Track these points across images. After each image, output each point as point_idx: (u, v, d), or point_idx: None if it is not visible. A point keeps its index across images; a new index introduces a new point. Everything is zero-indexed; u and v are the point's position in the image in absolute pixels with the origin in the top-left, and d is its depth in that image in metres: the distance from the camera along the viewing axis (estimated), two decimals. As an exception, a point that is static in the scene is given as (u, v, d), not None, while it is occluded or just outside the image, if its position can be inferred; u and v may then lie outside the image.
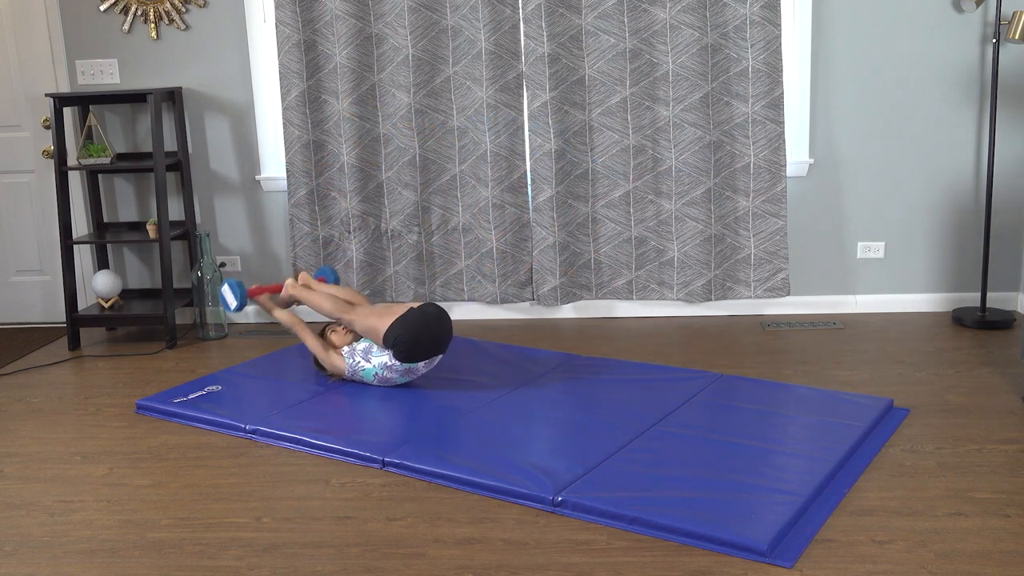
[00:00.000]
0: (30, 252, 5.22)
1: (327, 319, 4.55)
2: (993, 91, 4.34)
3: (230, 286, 4.09)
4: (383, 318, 3.76)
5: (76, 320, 4.81)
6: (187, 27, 4.86)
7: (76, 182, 5.10)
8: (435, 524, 2.84)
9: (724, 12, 4.42)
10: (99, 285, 4.87)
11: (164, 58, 4.91)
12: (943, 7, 4.47)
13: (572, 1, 4.51)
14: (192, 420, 3.73)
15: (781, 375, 3.95)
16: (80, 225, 5.12)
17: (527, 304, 4.97)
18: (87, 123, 4.84)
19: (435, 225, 4.85)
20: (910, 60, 4.54)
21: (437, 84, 4.70)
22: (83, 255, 5.19)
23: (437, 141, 4.76)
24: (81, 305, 5.21)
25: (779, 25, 4.38)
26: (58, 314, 5.27)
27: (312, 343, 3.94)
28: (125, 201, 5.13)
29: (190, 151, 5.01)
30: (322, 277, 4.36)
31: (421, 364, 3.79)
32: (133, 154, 5.05)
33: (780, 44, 4.40)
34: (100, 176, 5.09)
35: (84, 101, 4.83)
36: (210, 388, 4.00)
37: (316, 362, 4.05)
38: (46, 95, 4.69)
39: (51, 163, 5.08)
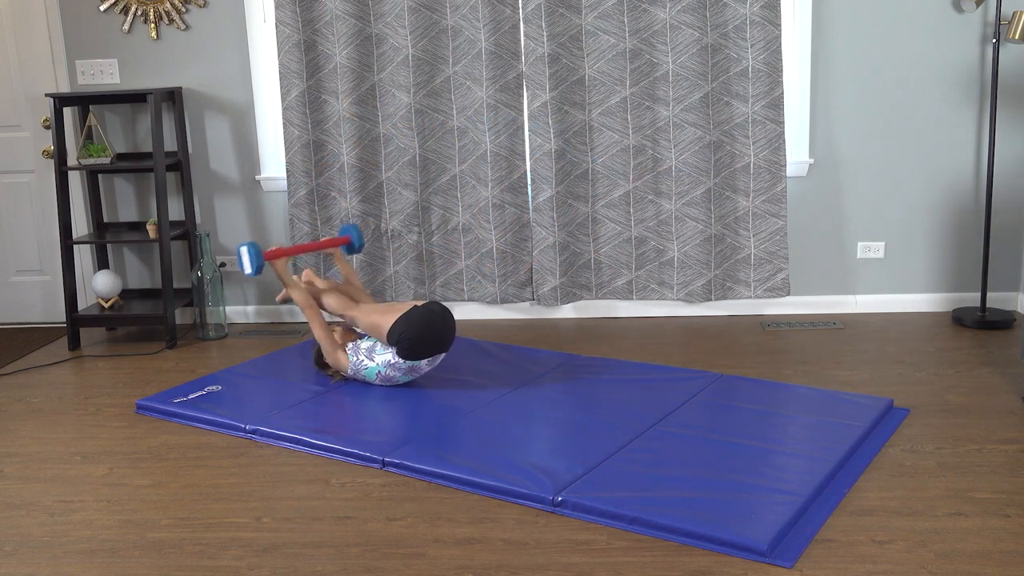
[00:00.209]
0: (30, 252, 5.22)
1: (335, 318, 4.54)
2: (993, 91, 4.34)
3: (248, 251, 3.91)
4: (386, 315, 3.77)
5: (76, 320, 4.81)
6: (187, 27, 4.86)
7: (76, 182, 5.10)
8: (435, 524, 2.84)
9: (724, 12, 4.42)
10: (99, 285, 4.87)
11: (164, 58, 4.91)
12: (943, 7, 4.47)
13: (572, 1, 4.51)
14: (192, 420, 3.73)
15: (781, 375, 3.95)
16: (80, 225, 5.12)
17: (527, 304, 4.97)
18: (87, 123, 4.84)
19: (435, 225, 4.85)
20: (910, 60, 4.54)
21: (437, 84, 4.70)
22: (83, 255, 5.19)
23: (437, 141, 4.76)
24: (81, 305, 5.21)
25: (779, 25, 4.38)
26: (58, 314, 5.27)
27: (320, 332, 3.89)
28: (125, 201, 5.13)
29: (190, 151, 5.01)
30: (346, 236, 4.25)
31: (424, 362, 3.79)
32: (133, 154, 5.05)
33: (780, 44, 4.40)
34: (100, 176, 5.09)
35: (84, 101, 4.83)
36: (210, 388, 4.00)
37: (317, 360, 4.05)
38: (46, 95, 4.69)
39: (51, 163, 5.08)
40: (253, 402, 3.81)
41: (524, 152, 4.70)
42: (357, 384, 3.95)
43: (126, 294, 5.18)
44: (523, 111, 4.65)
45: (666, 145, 4.58)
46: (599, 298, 4.85)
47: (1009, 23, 4.25)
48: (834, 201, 4.72)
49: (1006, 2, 4.41)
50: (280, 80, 4.71)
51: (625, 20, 4.49)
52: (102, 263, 5.11)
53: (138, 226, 5.09)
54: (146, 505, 3.05)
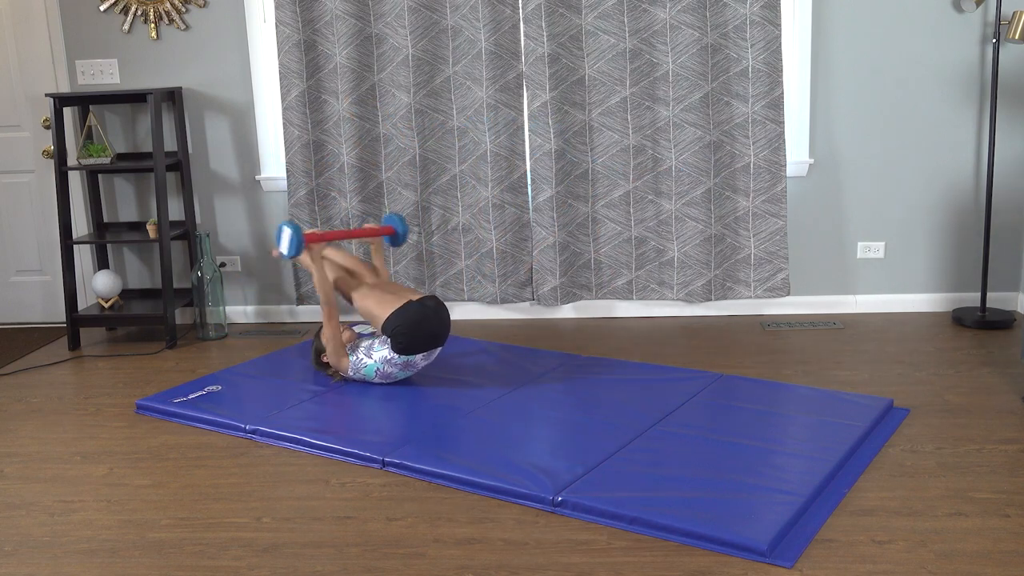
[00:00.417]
0: (30, 252, 5.22)
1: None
2: (993, 91, 4.34)
3: (292, 234, 3.81)
4: (383, 306, 3.81)
5: (76, 320, 4.81)
6: (187, 27, 4.86)
7: (76, 182, 5.10)
8: (435, 524, 2.84)
9: (724, 12, 4.42)
10: (99, 285, 4.87)
11: (164, 58, 4.91)
12: (943, 7, 4.47)
13: (572, 1, 4.51)
14: (192, 420, 3.73)
15: (781, 375, 3.95)
16: (80, 225, 5.12)
17: (527, 304, 4.97)
18: (87, 123, 4.84)
19: (435, 225, 4.85)
20: (910, 60, 4.54)
21: (437, 84, 4.70)
22: (83, 255, 5.19)
23: (437, 141, 4.76)
24: (81, 305, 5.21)
25: (779, 25, 4.38)
26: (58, 314, 5.27)
27: (332, 332, 3.86)
28: (125, 201, 5.13)
29: (190, 151, 5.01)
30: (389, 226, 4.18)
31: (419, 357, 3.81)
32: (133, 154, 5.05)
33: (780, 44, 4.40)
34: (100, 176, 5.09)
35: (84, 101, 4.83)
36: (210, 388, 4.00)
37: (316, 360, 4.04)
38: (46, 95, 4.69)
39: (51, 163, 5.08)
40: (253, 402, 3.81)
41: (524, 152, 4.70)
42: (357, 384, 3.95)
43: (126, 294, 5.18)
44: (523, 111, 4.65)
45: (666, 145, 4.58)
46: (599, 298, 4.85)
47: (1009, 23, 4.25)
48: (834, 201, 4.72)
49: (1006, 2, 4.41)
50: (280, 80, 4.71)
51: (625, 20, 4.49)
52: (102, 263, 5.11)
53: (138, 226, 5.09)
54: (146, 505, 3.05)
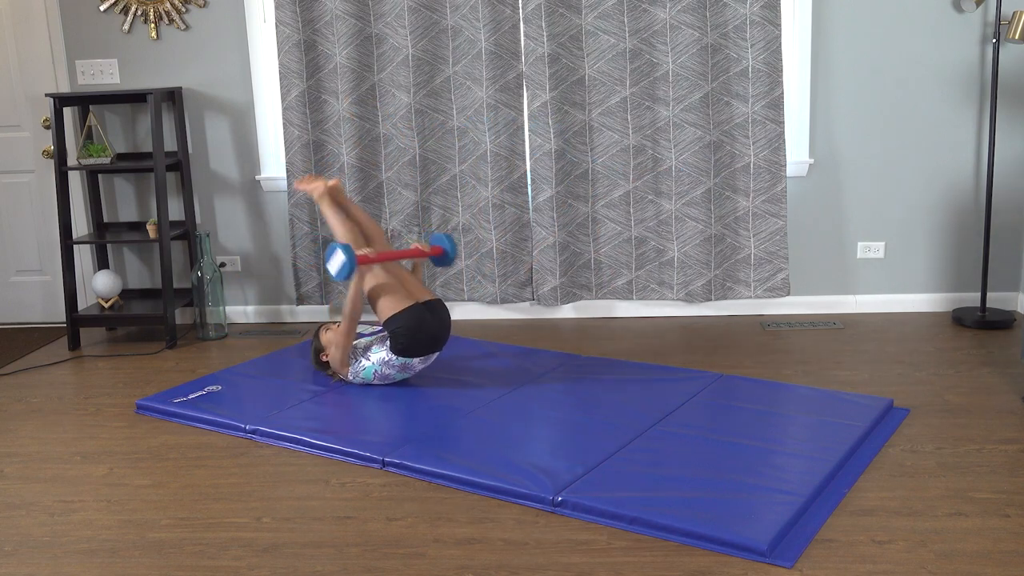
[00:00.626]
0: (30, 252, 5.22)
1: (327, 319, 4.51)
2: (993, 91, 4.34)
3: (346, 261, 3.69)
4: (390, 302, 3.77)
5: (76, 320, 4.81)
6: (187, 27, 4.86)
7: (76, 182, 5.10)
8: (435, 524, 2.84)
9: (724, 12, 4.42)
10: (99, 285, 4.87)
11: (164, 58, 4.91)
12: (943, 7, 4.47)
13: (572, 1, 4.51)
14: (192, 420, 3.73)
15: (781, 375, 3.95)
16: (80, 225, 5.12)
17: (527, 304, 4.97)
18: (87, 123, 4.84)
19: (435, 225, 4.85)
20: (910, 60, 4.54)
21: (437, 84, 4.70)
22: (83, 255, 5.19)
23: (437, 141, 4.76)
24: (81, 305, 5.21)
25: (779, 25, 4.38)
26: (58, 314, 5.27)
27: (345, 340, 3.83)
28: (125, 201, 5.13)
29: (190, 151, 5.01)
30: (438, 246, 4.07)
31: (417, 360, 3.81)
32: (133, 154, 5.05)
33: (780, 44, 4.40)
34: (100, 176, 5.09)
35: (84, 101, 4.83)
36: (210, 388, 4.00)
37: (315, 359, 4.03)
38: (46, 95, 4.69)
39: (51, 163, 5.08)
40: (253, 402, 3.81)
41: (524, 152, 4.70)
42: (357, 384, 3.95)
43: (126, 294, 5.18)
44: (523, 111, 4.65)
45: (666, 145, 4.58)
46: (599, 298, 4.85)
47: (1009, 23, 4.25)
48: (834, 201, 4.72)
49: (1006, 2, 4.41)
50: (280, 80, 4.71)
51: (625, 20, 4.49)
52: (102, 263, 5.11)
53: (138, 226, 5.09)
54: (146, 505, 3.05)
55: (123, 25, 4.88)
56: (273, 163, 5.00)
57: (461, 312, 5.02)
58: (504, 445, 3.27)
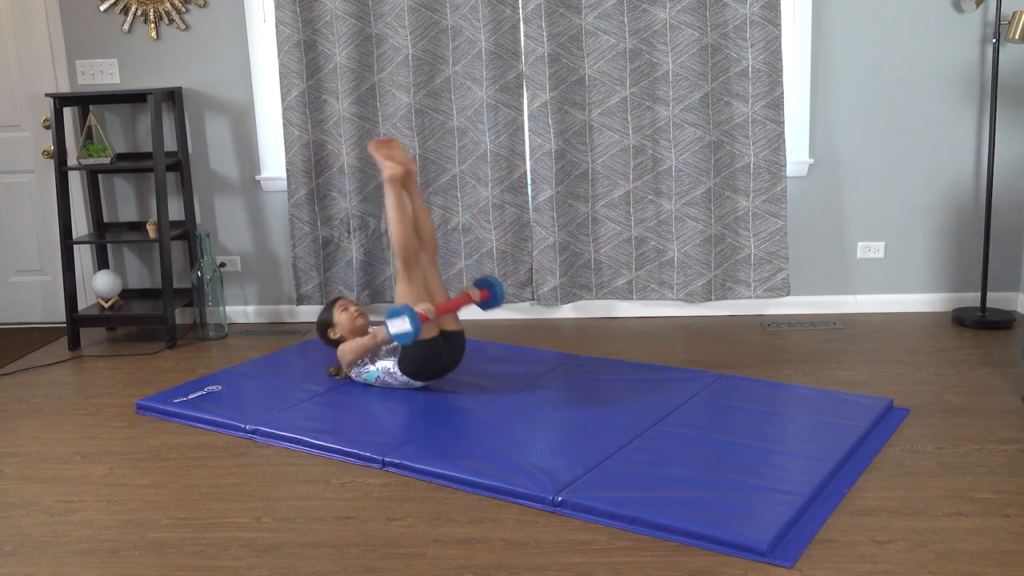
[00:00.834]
0: (30, 252, 5.22)
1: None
2: (993, 91, 4.34)
3: (413, 333, 3.49)
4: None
5: (76, 320, 4.81)
6: (187, 27, 4.86)
7: (76, 182, 5.10)
8: (435, 524, 2.84)
9: (724, 12, 4.42)
10: (99, 285, 4.87)
11: (164, 58, 4.91)
12: (943, 7, 4.47)
13: (572, 1, 4.51)
14: (192, 420, 3.73)
15: (781, 375, 3.95)
16: (80, 225, 5.12)
17: (527, 304, 4.97)
18: (87, 123, 4.84)
19: (435, 225, 4.84)
20: (910, 60, 4.54)
21: (437, 84, 4.70)
22: (83, 255, 5.19)
23: (437, 141, 4.76)
24: (81, 305, 5.21)
25: (779, 25, 4.38)
26: (58, 314, 5.27)
27: (363, 354, 3.80)
28: (125, 201, 5.13)
29: (190, 151, 5.01)
30: (485, 290, 3.95)
31: (419, 384, 3.82)
32: (133, 154, 5.05)
33: (780, 44, 4.40)
34: (100, 176, 5.09)
35: (84, 101, 4.83)
36: (210, 388, 4.00)
37: (321, 332, 3.98)
38: (46, 95, 4.69)
39: (51, 163, 5.07)
40: (253, 402, 3.81)
41: (524, 152, 4.70)
42: (357, 384, 3.95)
43: (126, 294, 5.18)
44: (523, 111, 4.65)
45: (666, 145, 4.58)
46: (599, 298, 4.85)
47: (1009, 23, 4.24)
48: (834, 201, 4.72)
49: (1006, 2, 4.41)
50: (280, 80, 4.71)
51: (625, 20, 4.49)
52: (102, 263, 5.11)
53: (138, 226, 5.09)
54: (146, 505, 3.05)
55: (123, 25, 4.88)
56: (273, 163, 5.00)
57: (461, 312, 5.00)
58: (504, 445, 3.27)
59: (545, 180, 4.62)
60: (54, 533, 2.90)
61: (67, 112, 5.00)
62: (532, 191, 4.69)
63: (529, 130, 4.61)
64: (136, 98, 4.78)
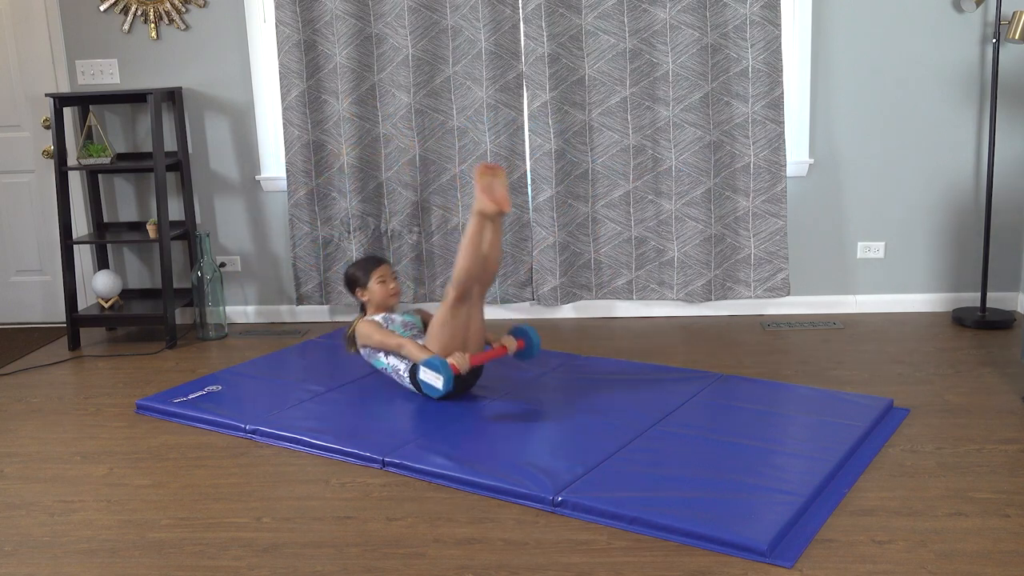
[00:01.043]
0: (30, 252, 5.22)
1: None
2: (993, 91, 4.34)
3: (444, 386, 3.46)
4: (438, 348, 3.62)
5: (76, 320, 4.81)
6: (187, 27, 4.86)
7: (76, 182, 5.10)
8: (435, 524, 2.84)
9: (724, 12, 4.42)
10: (99, 285, 4.86)
11: (164, 58, 4.91)
12: (943, 7, 4.47)
13: (572, 1, 4.51)
14: (192, 420, 3.73)
15: (781, 375, 3.95)
16: (80, 225, 5.12)
17: (527, 304, 4.97)
18: (87, 123, 4.84)
19: (435, 225, 4.85)
20: (910, 60, 4.54)
21: (437, 84, 4.70)
22: (83, 255, 5.19)
23: (437, 141, 4.76)
24: (81, 305, 5.21)
25: (779, 25, 4.38)
26: (58, 314, 5.27)
27: (390, 345, 3.74)
28: (125, 201, 5.13)
29: (190, 151, 5.01)
30: (521, 340, 3.84)
31: (422, 394, 3.82)
32: (133, 154, 5.05)
33: (780, 44, 4.40)
34: (100, 176, 5.09)
35: (84, 101, 4.83)
36: (210, 388, 4.00)
37: (349, 342, 3.97)
38: (46, 95, 4.69)
39: (51, 163, 5.07)
40: (253, 402, 3.81)
41: (524, 152, 4.70)
42: (357, 384, 3.95)
43: (126, 294, 5.18)
44: (523, 111, 4.65)
45: (666, 145, 4.58)
46: (599, 298, 4.85)
47: (1009, 23, 4.24)
48: (834, 201, 4.72)
49: (1006, 2, 4.41)
50: (280, 80, 4.71)
51: (625, 20, 4.49)
52: (102, 263, 5.11)
53: (138, 226, 5.09)
54: (146, 505, 3.05)
55: (123, 25, 4.88)
56: (273, 163, 5.00)
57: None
58: (504, 445, 3.27)
59: (545, 180, 4.62)
60: (54, 533, 2.90)
61: (67, 112, 5.00)
62: (532, 191, 4.69)
63: (529, 130, 4.61)
64: (136, 98, 4.78)
